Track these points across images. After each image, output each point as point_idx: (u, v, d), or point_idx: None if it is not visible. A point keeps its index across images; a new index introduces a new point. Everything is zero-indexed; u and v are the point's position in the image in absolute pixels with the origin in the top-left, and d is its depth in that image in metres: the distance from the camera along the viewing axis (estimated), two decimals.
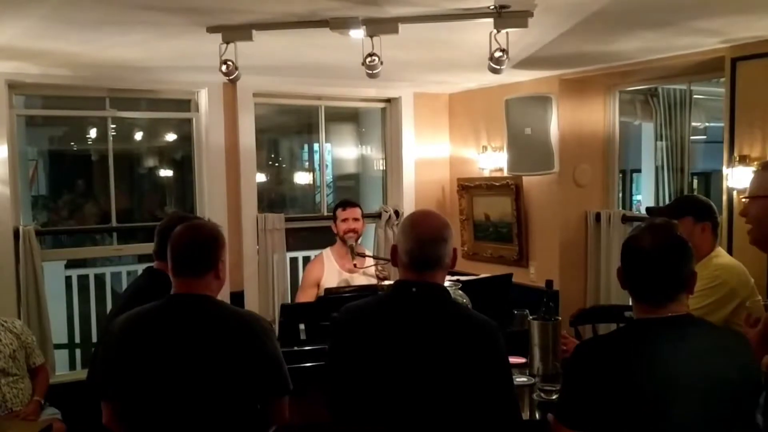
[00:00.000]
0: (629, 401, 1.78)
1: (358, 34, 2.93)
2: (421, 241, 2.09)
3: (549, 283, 3.08)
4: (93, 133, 6.61)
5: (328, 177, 7.14)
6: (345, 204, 4.40)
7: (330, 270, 4.30)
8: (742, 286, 2.82)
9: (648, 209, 3.42)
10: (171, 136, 7.23)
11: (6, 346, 3.61)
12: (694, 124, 5.81)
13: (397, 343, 2.04)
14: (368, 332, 2.13)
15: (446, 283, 3.11)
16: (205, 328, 2.21)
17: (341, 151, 6.90)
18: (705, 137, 6.94)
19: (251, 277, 5.00)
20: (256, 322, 2.32)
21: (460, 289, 3.33)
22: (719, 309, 2.76)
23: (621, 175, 8.83)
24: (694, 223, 2.91)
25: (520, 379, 2.80)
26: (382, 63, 2.90)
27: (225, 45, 3.01)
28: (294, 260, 6.03)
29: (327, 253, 4.38)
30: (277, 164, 8.49)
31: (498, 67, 2.82)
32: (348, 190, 6.99)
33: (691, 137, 5.67)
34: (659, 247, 1.85)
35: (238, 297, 4.86)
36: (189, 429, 2.17)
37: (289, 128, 7.68)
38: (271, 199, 7.45)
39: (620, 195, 8.79)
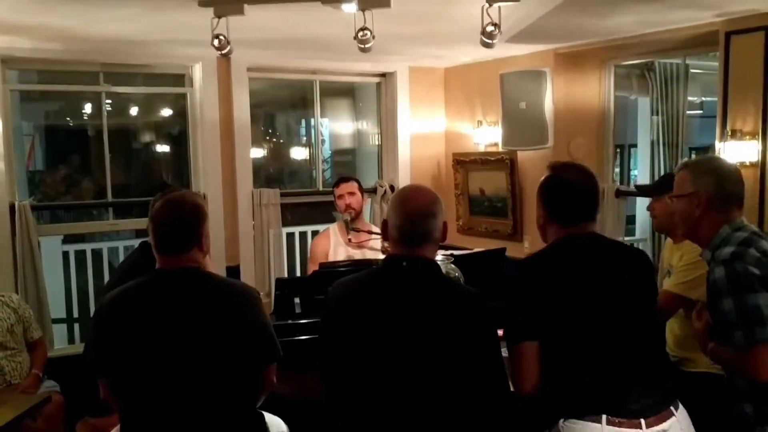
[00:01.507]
0: (569, 304, 2.09)
1: (350, 8, 2.91)
2: (411, 217, 2.11)
3: None
4: (88, 108, 6.59)
5: (326, 152, 7.14)
6: (339, 181, 4.40)
7: (336, 244, 4.33)
8: None
9: (637, 186, 3.46)
10: (167, 111, 7.21)
11: (3, 320, 3.64)
12: (690, 98, 5.79)
13: (387, 317, 2.07)
14: (359, 306, 2.15)
15: (438, 257, 3.15)
16: (193, 300, 2.22)
17: (338, 126, 6.89)
18: (701, 112, 6.92)
19: (247, 252, 5.02)
20: (243, 290, 2.33)
21: (452, 263, 3.37)
22: (702, 284, 2.80)
23: (619, 150, 8.87)
24: None
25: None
26: (374, 37, 2.89)
27: (217, 19, 2.99)
28: (291, 235, 6.05)
29: (333, 228, 4.41)
30: (274, 140, 8.47)
31: (490, 41, 2.81)
32: (345, 165, 6.99)
33: (688, 112, 5.66)
34: (586, 180, 2.23)
35: (234, 271, 4.90)
36: (181, 400, 2.19)
37: (286, 103, 7.66)
38: (269, 175, 7.45)
39: (618, 170, 8.82)
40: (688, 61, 4.92)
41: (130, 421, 2.28)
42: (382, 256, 4.14)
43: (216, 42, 3.06)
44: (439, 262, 3.17)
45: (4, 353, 3.58)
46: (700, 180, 2.20)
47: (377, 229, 4.60)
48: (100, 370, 2.27)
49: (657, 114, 5.65)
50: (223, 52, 3.09)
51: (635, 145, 7.90)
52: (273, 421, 2.61)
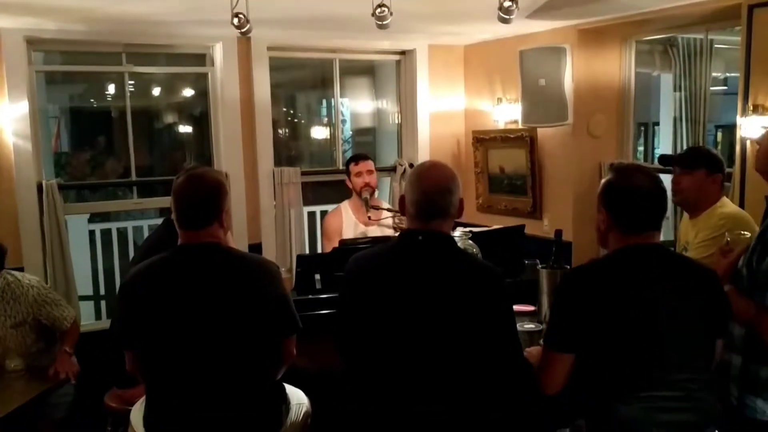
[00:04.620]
0: (618, 322, 1.96)
1: None
2: (427, 192, 2.13)
3: (558, 232, 3.11)
4: (112, 89, 6.67)
5: (347, 132, 7.15)
6: (357, 158, 4.41)
7: (348, 222, 4.37)
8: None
9: (661, 157, 3.43)
10: (190, 91, 7.27)
11: (9, 317, 3.44)
12: (714, 74, 5.71)
13: (403, 290, 2.10)
14: (376, 280, 2.18)
15: (456, 233, 3.19)
16: (214, 274, 2.27)
17: (358, 105, 6.90)
18: (726, 88, 6.82)
19: (268, 230, 5.09)
20: (263, 264, 2.39)
21: (470, 239, 3.40)
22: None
23: (643, 128, 8.77)
24: (707, 175, 2.97)
25: (528, 326, 2.85)
26: (392, 14, 2.91)
27: None
28: (313, 214, 6.12)
29: (344, 205, 4.44)
30: (296, 119, 8.51)
31: (507, 17, 2.82)
32: (365, 145, 7.01)
33: (712, 88, 5.59)
34: (655, 186, 2.05)
35: (255, 248, 4.96)
36: (204, 371, 2.25)
37: (307, 83, 7.68)
38: (290, 155, 7.49)
39: (642, 148, 8.72)
40: (712, 36, 4.85)
41: (154, 391, 2.36)
42: (390, 232, 4.19)
43: (236, 21, 3.09)
44: (456, 238, 3.22)
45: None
46: None
47: (389, 206, 4.65)
48: (125, 343, 2.35)
49: (680, 90, 5.59)
50: (243, 30, 3.12)
51: (658, 123, 7.83)
52: (294, 393, 2.69)
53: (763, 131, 3.50)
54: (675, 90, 5.66)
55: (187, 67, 5.30)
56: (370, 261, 2.26)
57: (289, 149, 7.69)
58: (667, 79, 6.67)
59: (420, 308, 2.07)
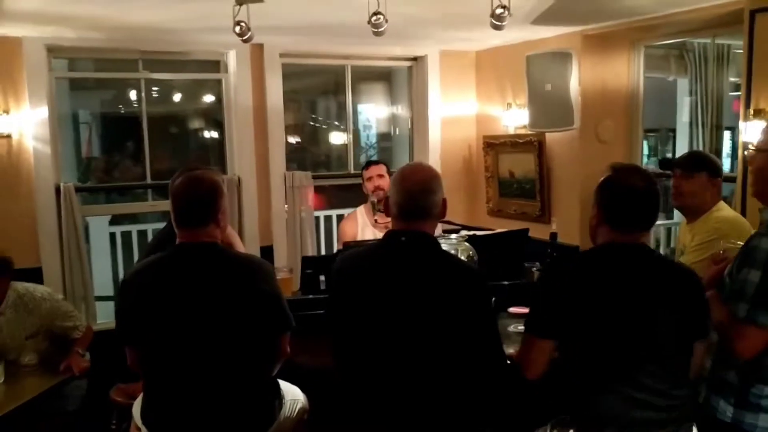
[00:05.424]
0: (596, 314, 2.02)
1: None
2: (409, 193, 2.20)
3: (553, 235, 3.16)
4: (133, 95, 6.83)
5: (372, 138, 7.24)
6: (368, 163, 4.54)
7: (363, 226, 4.45)
8: (741, 240, 2.86)
9: (661, 161, 3.45)
10: (210, 97, 7.41)
11: (23, 329, 3.55)
12: (732, 79, 5.67)
13: (385, 289, 2.16)
14: (361, 278, 2.25)
15: (453, 237, 3.24)
16: (210, 272, 2.35)
17: (375, 110, 6.97)
18: (739, 93, 6.74)
19: (280, 232, 5.19)
20: (256, 263, 2.47)
21: (474, 243, 3.45)
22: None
23: (658, 133, 8.69)
24: (708, 179, 2.99)
25: (522, 328, 2.88)
26: (387, 21, 2.98)
27: (238, 7, 3.12)
28: (329, 218, 6.24)
29: (360, 210, 4.53)
30: (317, 125, 8.62)
31: (499, 23, 2.87)
32: (383, 149, 7.08)
33: (730, 93, 5.56)
34: (649, 187, 2.10)
35: (267, 251, 5.07)
36: (199, 366, 2.32)
37: (326, 89, 7.78)
38: (308, 160, 7.60)
39: (656, 153, 8.65)
40: (729, 41, 4.83)
41: (150, 385, 2.44)
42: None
43: (237, 29, 3.19)
44: (453, 242, 3.28)
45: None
46: None
47: None
48: (125, 338, 2.43)
49: (694, 95, 5.56)
50: (244, 38, 3.22)
51: (672, 130, 7.77)
52: (290, 389, 2.73)
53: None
54: (690, 95, 5.65)
55: (202, 73, 5.42)
56: (356, 259, 2.34)
57: (308, 154, 7.79)
58: (683, 84, 6.64)
59: (401, 305, 2.12)
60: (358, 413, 2.22)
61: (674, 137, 8.42)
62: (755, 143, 2.22)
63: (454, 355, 2.11)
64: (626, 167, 2.23)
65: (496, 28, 2.92)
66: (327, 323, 2.36)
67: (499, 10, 2.82)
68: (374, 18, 2.95)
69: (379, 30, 3.02)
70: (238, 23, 3.17)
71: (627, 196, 2.09)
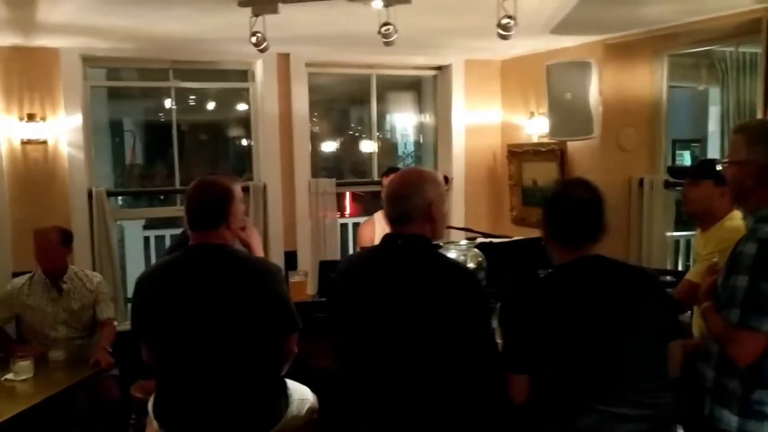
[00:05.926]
0: (566, 337, 1.99)
1: (377, 4, 3.08)
2: (388, 199, 2.29)
3: None
4: (168, 103, 7.04)
5: (408, 146, 7.32)
6: (387, 171, 4.62)
7: (380, 231, 4.53)
8: None
9: (670, 169, 3.45)
10: (243, 106, 7.59)
11: (76, 300, 3.93)
12: None
13: (382, 290, 2.21)
14: (359, 281, 2.31)
15: (462, 242, 3.28)
16: (220, 273, 2.44)
17: (404, 118, 7.05)
18: None
19: (304, 238, 5.28)
20: (264, 266, 2.56)
21: (485, 250, 3.49)
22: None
23: (699, 144, 8.55)
24: (714, 187, 2.98)
25: None
26: (396, 31, 3.05)
27: (254, 18, 3.23)
28: (357, 225, 6.34)
29: (378, 215, 4.61)
30: (354, 133, 8.75)
31: (506, 33, 2.92)
32: (419, 158, 7.16)
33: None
34: (590, 198, 2.08)
35: (291, 256, 5.18)
36: (208, 364, 2.41)
37: (359, 97, 7.90)
38: (345, 167, 7.72)
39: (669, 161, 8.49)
40: (757, 50, 4.76)
41: (162, 381, 2.54)
42: None
43: (254, 39, 3.29)
44: (463, 248, 3.32)
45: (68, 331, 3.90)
46: (753, 147, 2.07)
47: None
48: (140, 336, 2.53)
49: (724, 104, 5.49)
50: (260, 48, 3.32)
51: (698, 140, 7.66)
52: (299, 389, 2.80)
53: None
54: (721, 104, 5.57)
55: (231, 82, 5.57)
56: (356, 262, 2.43)
57: (339, 161, 7.91)
58: (715, 94, 6.55)
59: (397, 308, 2.17)
60: (360, 413, 2.28)
61: (706, 148, 8.31)
62: (727, 156, 2.22)
63: (448, 355, 2.14)
64: (573, 180, 2.27)
65: (503, 38, 2.96)
66: (330, 325, 2.43)
67: (505, 20, 2.87)
68: (384, 28, 3.03)
69: (389, 40, 3.09)
70: (254, 34, 3.28)
71: (567, 209, 2.09)
